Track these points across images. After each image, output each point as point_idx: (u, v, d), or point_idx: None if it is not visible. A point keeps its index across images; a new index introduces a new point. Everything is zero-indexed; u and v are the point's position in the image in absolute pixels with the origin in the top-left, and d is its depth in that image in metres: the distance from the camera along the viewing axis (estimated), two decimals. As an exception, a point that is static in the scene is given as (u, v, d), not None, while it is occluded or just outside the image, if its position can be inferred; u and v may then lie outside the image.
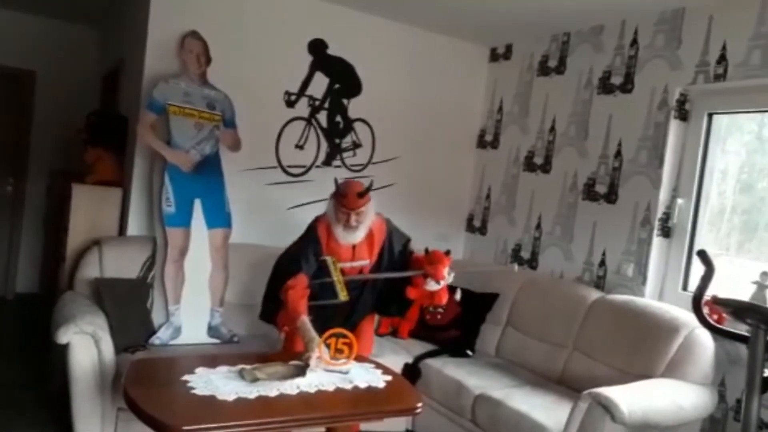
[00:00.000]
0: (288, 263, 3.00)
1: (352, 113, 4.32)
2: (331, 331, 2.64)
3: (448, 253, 2.95)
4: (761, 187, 3.35)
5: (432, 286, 2.89)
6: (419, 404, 2.47)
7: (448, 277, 2.90)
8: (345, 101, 4.28)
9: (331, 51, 4.18)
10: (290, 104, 4.09)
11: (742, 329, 2.34)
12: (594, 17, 3.82)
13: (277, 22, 3.98)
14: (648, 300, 3.37)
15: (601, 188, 3.80)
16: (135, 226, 3.73)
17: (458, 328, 3.83)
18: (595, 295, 3.51)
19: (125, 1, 4.41)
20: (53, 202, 4.97)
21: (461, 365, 3.46)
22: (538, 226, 4.22)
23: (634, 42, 3.68)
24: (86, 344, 2.82)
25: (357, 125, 4.34)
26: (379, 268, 3.05)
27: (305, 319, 2.73)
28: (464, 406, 3.14)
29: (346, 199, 2.85)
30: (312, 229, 3.01)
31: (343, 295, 2.91)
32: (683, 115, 3.48)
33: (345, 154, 4.31)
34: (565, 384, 3.31)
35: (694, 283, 3.27)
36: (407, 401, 2.54)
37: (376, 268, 3.06)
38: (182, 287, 3.42)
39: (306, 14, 4.08)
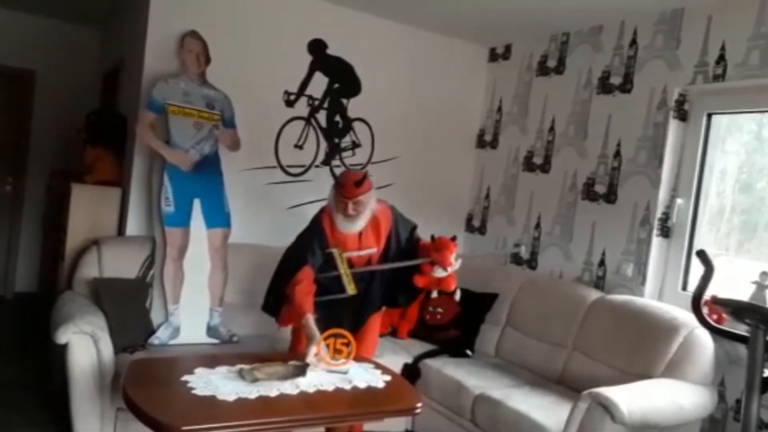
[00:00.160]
0: (294, 256, 3.00)
1: (352, 113, 4.32)
2: (330, 332, 2.64)
3: (454, 239, 2.96)
4: (760, 187, 3.35)
5: (439, 272, 2.89)
6: (419, 404, 2.47)
7: (455, 263, 2.90)
8: (344, 101, 4.28)
9: (331, 51, 4.18)
10: (290, 104, 4.09)
11: (741, 329, 2.34)
12: (593, 17, 3.82)
13: (276, 22, 3.98)
14: (647, 300, 3.37)
15: (600, 188, 3.80)
16: (134, 225, 3.73)
17: (458, 328, 3.83)
18: (594, 295, 3.51)
19: (125, 2, 4.41)
20: (52, 202, 4.97)
21: (461, 365, 3.46)
22: (538, 226, 4.22)
23: (634, 42, 3.68)
24: (85, 344, 2.82)
25: (356, 125, 4.34)
26: (387, 256, 3.04)
27: (309, 317, 2.73)
28: (464, 406, 3.14)
29: (343, 189, 2.86)
30: (317, 220, 3.01)
31: (351, 289, 2.91)
32: (682, 115, 3.48)
33: (344, 154, 4.31)
34: (565, 384, 3.31)
35: (693, 283, 3.28)
36: (407, 401, 2.54)
37: (383, 255, 3.05)
38: (181, 287, 3.42)
39: (305, 14, 4.08)
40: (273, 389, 2.31)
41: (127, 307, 3.24)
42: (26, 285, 5.75)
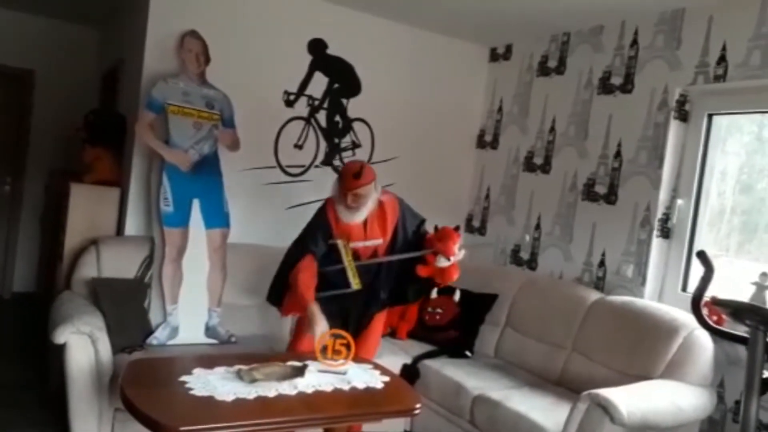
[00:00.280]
0: (297, 246, 3.01)
1: (352, 113, 4.31)
2: (330, 332, 2.63)
3: (457, 228, 2.97)
4: (761, 187, 3.35)
5: (442, 262, 2.90)
6: (418, 405, 2.46)
7: (458, 253, 2.91)
8: (344, 101, 4.28)
9: (331, 51, 4.17)
10: (289, 104, 4.08)
11: (741, 330, 2.33)
12: (594, 17, 3.81)
13: (276, 22, 3.98)
14: (647, 301, 3.37)
15: (600, 189, 3.80)
16: (133, 225, 3.72)
17: (457, 328, 3.82)
18: (594, 295, 3.50)
19: (125, 1, 4.40)
20: (51, 202, 4.96)
21: (460, 366, 3.45)
22: (538, 227, 4.21)
23: (634, 42, 3.67)
24: (83, 344, 2.81)
25: (356, 125, 4.34)
26: (394, 248, 3.03)
27: (314, 305, 2.74)
28: (463, 406, 3.13)
29: (343, 181, 2.88)
30: (321, 210, 3.02)
31: (355, 283, 2.91)
32: (683, 116, 3.47)
33: (344, 154, 4.30)
34: (564, 385, 3.30)
35: (693, 284, 3.27)
36: (406, 402, 2.53)
37: (390, 247, 3.04)
38: (180, 287, 3.41)
39: (305, 14, 4.07)
40: (271, 390, 2.30)
41: (126, 307, 3.23)
42: (24, 285, 5.74)
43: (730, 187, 3.49)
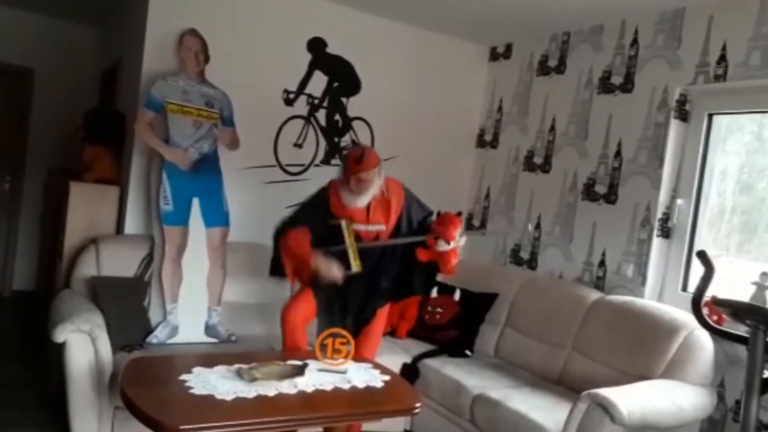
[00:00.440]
0: (292, 220, 3.02)
1: (351, 112, 4.31)
2: (328, 332, 2.63)
3: (459, 214, 2.98)
4: (761, 187, 3.35)
5: (442, 246, 2.89)
6: (418, 404, 2.46)
7: (459, 239, 2.90)
8: (344, 100, 4.28)
9: (331, 49, 4.17)
10: (289, 103, 4.08)
11: (741, 330, 2.33)
12: (594, 17, 3.81)
13: (275, 21, 3.97)
14: (647, 301, 3.37)
15: (600, 188, 3.79)
16: (132, 224, 3.72)
17: (457, 328, 3.82)
18: (594, 295, 3.50)
19: (124, 0, 4.40)
20: (51, 200, 4.96)
21: (460, 365, 3.45)
22: (538, 226, 4.21)
23: (634, 42, 3.67)
24: (83, 343, 2.81)
25: (356, 124, 4.33)
26: (397, 236, 3.03)
27: (316, 255, 2.76)
28: (463, 406, 3.13)
29: (346, 165, 2.91)
30: (322, 190, 3.04)
31: (356, 265, 2.90)
32: (683, 116, 3.47)
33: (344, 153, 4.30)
34: (564, 384, 3.30)
35: (693, 283, 3.27)
36: (405, 401, 2.53)
37: (393, 235, 3.04)
38: (180, 286, 3.41)
39: (305, 12, 4.07)
40: (271, 389, 2.30)
41: (125, 306, 3.23)
42: (24, 283, 5.73)
43: (730, 187, 3.49)
